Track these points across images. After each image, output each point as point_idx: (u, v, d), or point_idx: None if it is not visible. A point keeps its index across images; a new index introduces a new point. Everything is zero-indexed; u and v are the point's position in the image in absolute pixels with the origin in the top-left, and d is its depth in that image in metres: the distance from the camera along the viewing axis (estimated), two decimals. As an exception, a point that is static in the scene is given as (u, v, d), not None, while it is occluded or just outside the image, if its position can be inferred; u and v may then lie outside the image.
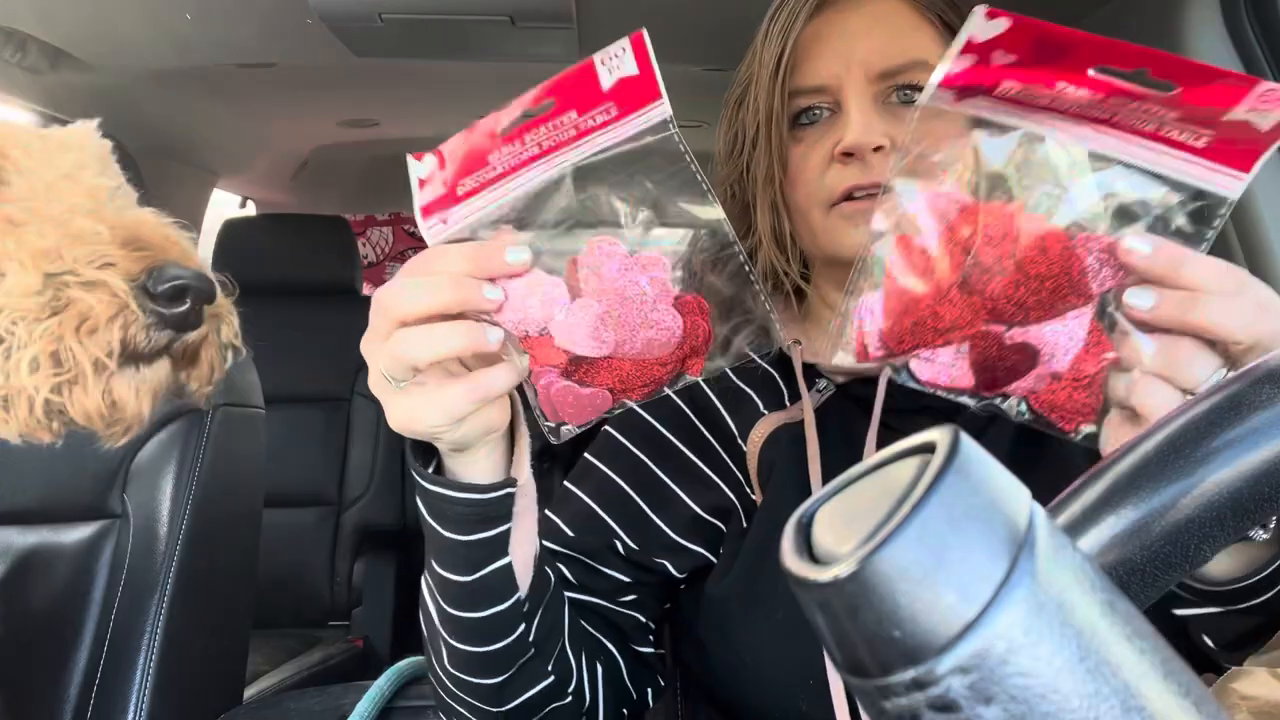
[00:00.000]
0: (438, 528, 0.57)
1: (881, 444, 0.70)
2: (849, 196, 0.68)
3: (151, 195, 1.27)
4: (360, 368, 2.24)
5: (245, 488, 1.22)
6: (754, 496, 0.74)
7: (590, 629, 0.70)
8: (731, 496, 0.74)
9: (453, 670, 0.61)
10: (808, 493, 0.71)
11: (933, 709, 0.21)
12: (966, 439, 0.23)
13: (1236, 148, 0.46)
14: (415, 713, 0.80)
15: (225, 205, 2.78)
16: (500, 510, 0.56)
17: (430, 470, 0.57)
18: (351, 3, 1.51)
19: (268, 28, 1.68)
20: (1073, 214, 0.47)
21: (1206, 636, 0.58)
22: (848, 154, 0.67)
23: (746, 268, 0.54)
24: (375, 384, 0.52)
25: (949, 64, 0.46)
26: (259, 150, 2.55)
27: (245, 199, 2.89)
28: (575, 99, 0.49)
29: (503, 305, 0.50)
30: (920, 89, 0.68)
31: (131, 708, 1.04)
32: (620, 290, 0.51)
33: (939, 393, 0.50)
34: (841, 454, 0.71)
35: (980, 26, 0.45)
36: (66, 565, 1.07)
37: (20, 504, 1.03)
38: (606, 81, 0.49)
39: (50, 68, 1.66)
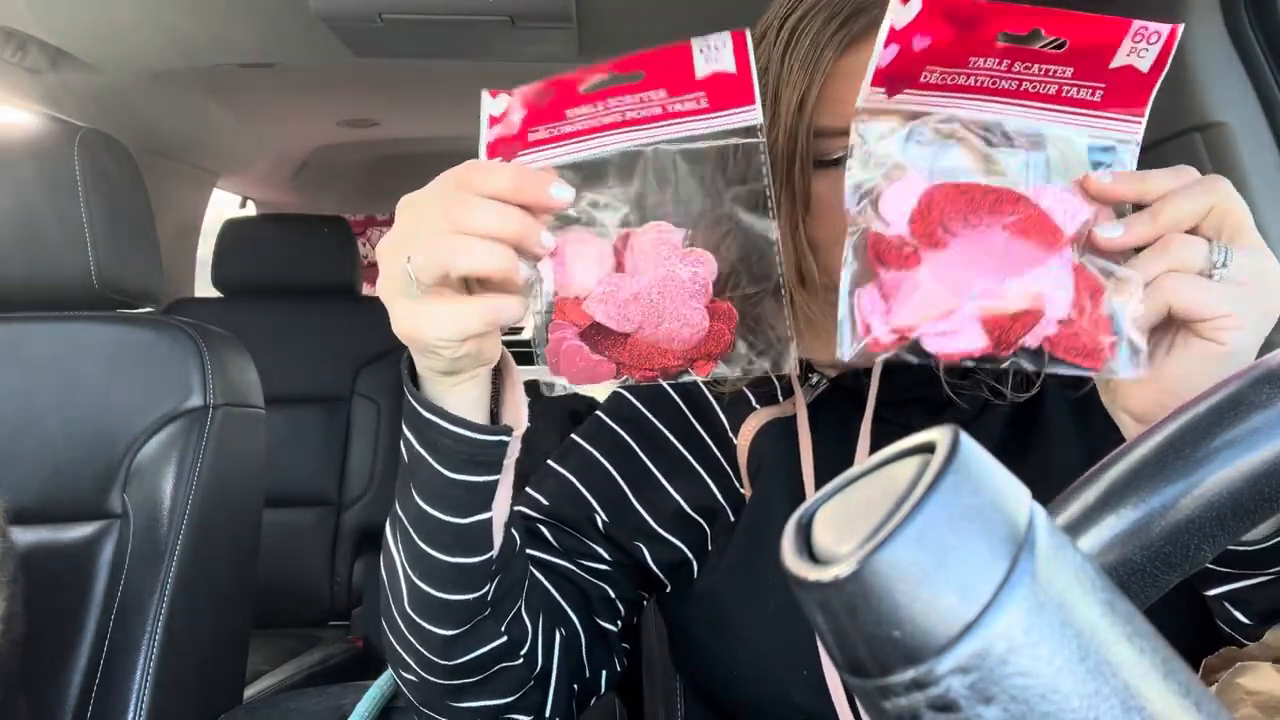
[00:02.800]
0: (427, 457, 0.57)
1: (875, 435, 0.70)
2: None
3: (151, 195, 1.27)
4: (360, 368, 2.26)
5: (245, 488, 1.22)
6: (743, 491, 0.74)
7: (556, 594, 0.70)
8: (719, 494, 0.75)
9: (410, 613, 0.62)
10: (799, 486, 0.71)
11: (933, 709, 0.21)
12: (966, 439, 0.23)
13: (1127, 95, 0.49)
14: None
15: (225, 205, 2.79)
16: (492, 455, 0.57)
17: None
18: (351, 3, 1.51)
19: (268, 28, 1.68)
20: (1018, 179, 0.50)
21: (1237, 610, 0.57)
22: None
23: (782, 292, 0.54)
24: (387, 286, 0.51)
25: (876, 58, 0.47)
26: (259, 150, 2.56)
27: (245, 199, 2.89)
28: (667, 78, 0.49)
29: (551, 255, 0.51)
30: None
31: (131, 708, 1.04)
32: (662, 277, 0.52)
33: (963, 362, 0.50)
34: (834, 447, 0.71)
35: (898, 12, 0.46)
36: (66, 565, 1.07)
37: (20, 503, 1.03)
38: (701, 70, 0.49)
39: (50, 68, 1.66)
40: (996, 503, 0.22)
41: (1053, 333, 0.48)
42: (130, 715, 1.04)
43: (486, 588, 0.61)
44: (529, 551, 0.69)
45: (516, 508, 0.71)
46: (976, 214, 0.49)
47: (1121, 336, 0.49)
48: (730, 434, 0.76)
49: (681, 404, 0.77)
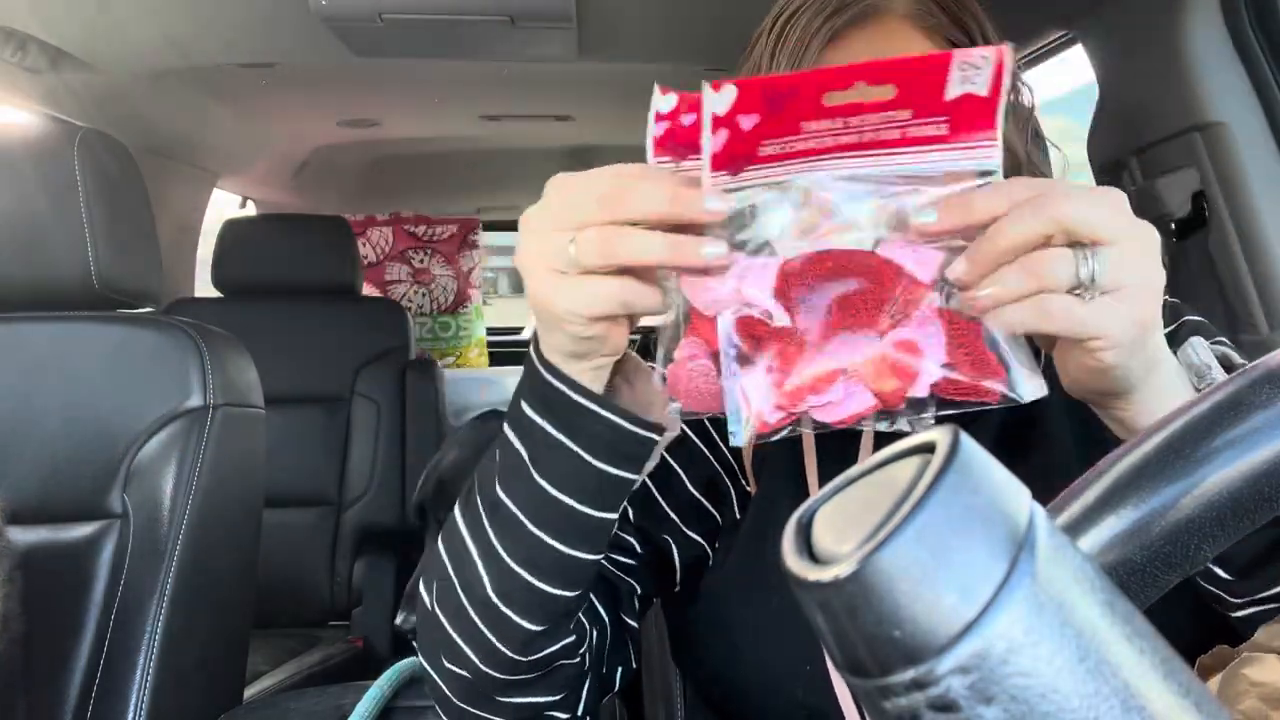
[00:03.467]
0: (567, 442, 0.55)
1: (877, 433, 0.71)
2: None
3: (152, 195, 1.27)
4: (360, 368, 2.26)
5: (245, 488, 1.22)
6: (749, 488, 0.74)
7: (593, 592, 0.70)
8: (729, 489, 0.75)
9: (495, 603, 0.59)
10: (802, 482, 0.72)
11: (933, 709, 0.21)
12: (967, 439, 0.23)
13: (975, 119, 0.46)
14: (415, 713, 0.81)
15: (225, 205, 2.79)
16: (635, 450, 0.55)
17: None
18: (351, 3, 1.51)
19: (268, 28, 1.68)
20: (865, 235, 0.48)
21: (1218, 567, 0.57)
22: None
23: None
24: (532, 258, 0.51)
25: (708, 145, 0.46)
26: (259, 150, 2.56)
27: (245, 199, 2.89)
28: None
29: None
30: None
31: (131, 708, 1.04)
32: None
33: (857, 425, 0.50)
34: (837, 445, 0.72)
35: (714, 100, 0.45)
36: (66, 565, 1.07)
37: (20, 503, 1.03)
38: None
39: (50, 68, 1.66)
40: (996, 503, 0.22)
41: (938, 379, 0.49)
42: (130, 715, 1.04)
43: (586, 586, 0.60)
44: None
45: None
46: (833, 279, 0.48)
47: (1009, 364, 0.48)
48: None
49: None
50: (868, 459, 0.25)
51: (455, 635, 0.61)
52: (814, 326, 0.49)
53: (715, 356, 0.50)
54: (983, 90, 0.45)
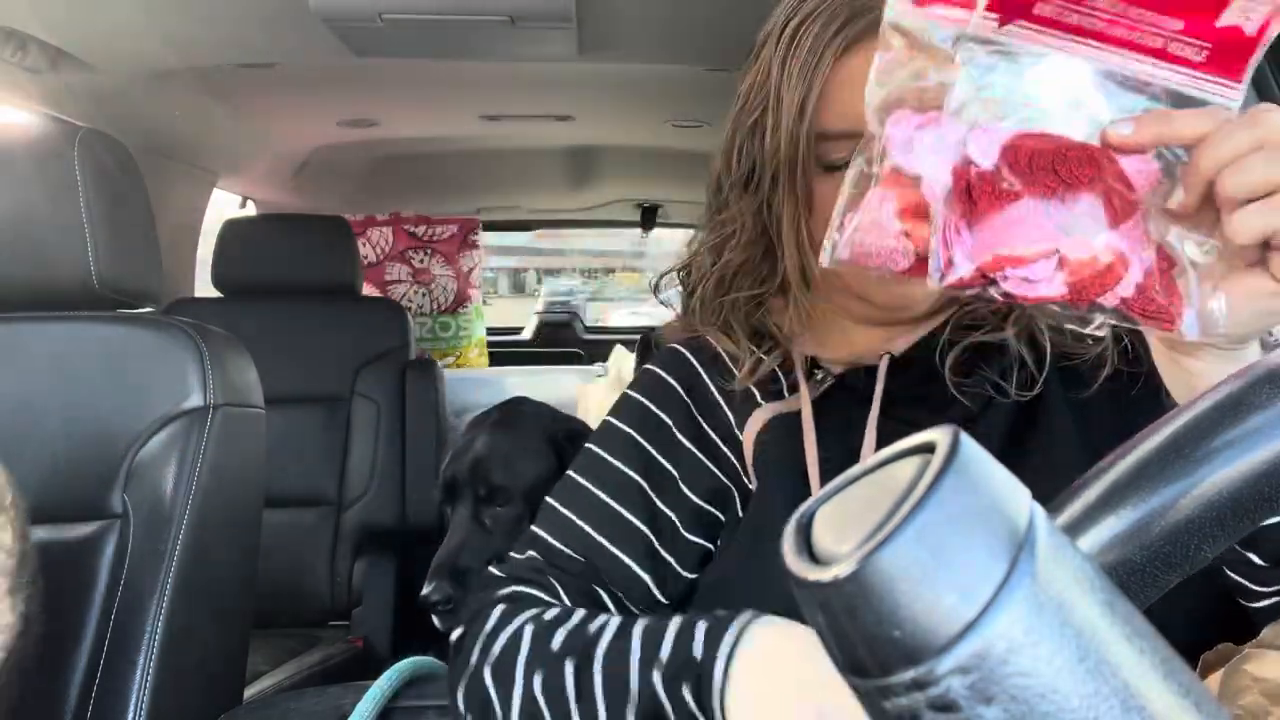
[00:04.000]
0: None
1: (880, 432, 0.71)
2: None
3: (151, 195, 1.27)
4: (360, 368, 2.26)
5: (245, 488, 1.22)
6: (751, 486, 0.74)
7: None
8: (728, 483, 0.75)
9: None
10: (803, 482, 0.72)
11: (933, 709, 0.21)
12: (967, 439, 0.23)
13: (1229, 58, 0.47)
14: (415, 713, 0.80)
15: (225, 205, 2.78)
16: None
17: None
18: (351, 3, 1.51)
19: (268, 28, 1.68)
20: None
21: (1250, 552, 0.57)
22: None
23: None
24: None
25: None
26: (259, 150, 2.56)
27: (245, 199, 2.89)
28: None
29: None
30: None
31: (131, 708, 1.04)
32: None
33: (1044, 307, 0.49)
34: (838, 444, 0.72)
35: None
36: (66, 565, 1.07)
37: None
38: (1227, 17, 0.45)
39: (50, 68, 1.66)
40: (996, 503, 0.22)
41: (1129, 294, 0.48)
42: (130, 715, 1.04)
43: None
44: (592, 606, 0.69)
45: (566, 547, 0.72)
46: (1064, 166, 0.48)
47: (1191, 300, 0.49)
48: (736, 430, 0.76)
49: (688, 401, 0.78)
50: (868, 459, 0.25)
51: None
52: (1032, 201, 0.48)
53: (905, 212, 0.49)
54: (1251, 29, 0.45)
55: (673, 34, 1.71)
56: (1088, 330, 0.50)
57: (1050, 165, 0.48)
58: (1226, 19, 0.45)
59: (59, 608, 1.05)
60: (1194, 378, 0.54)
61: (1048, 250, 0.48)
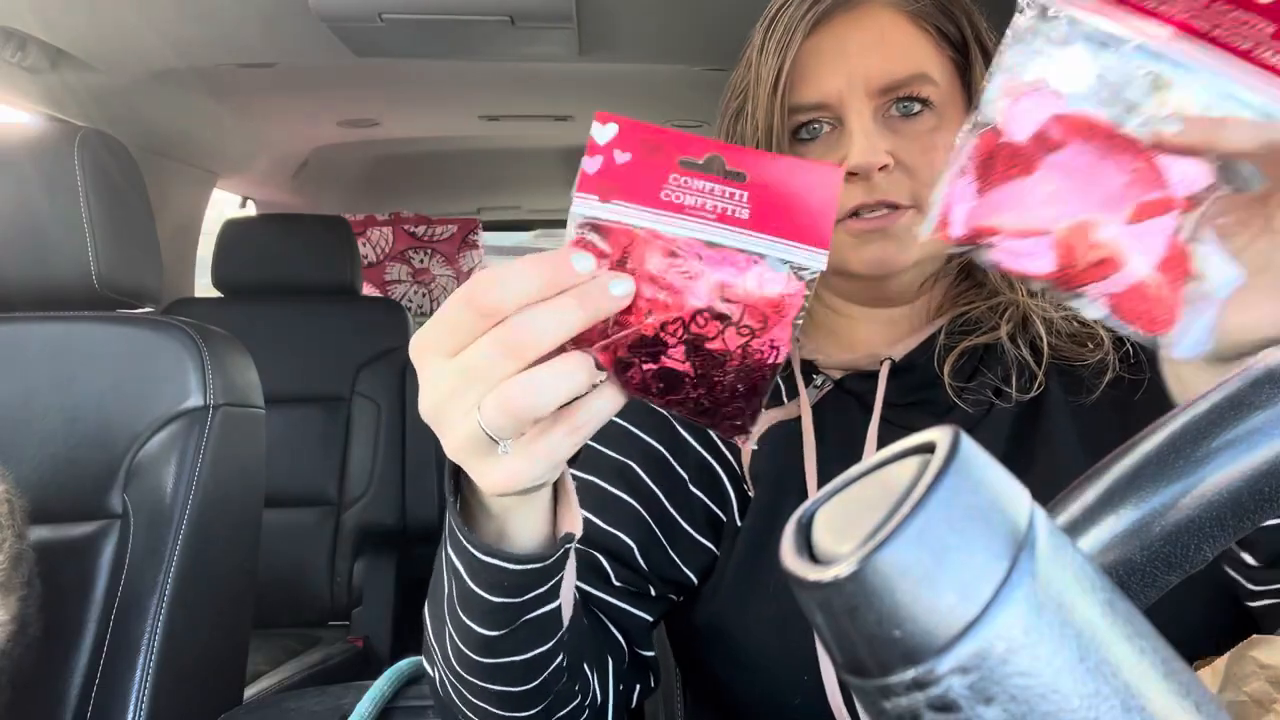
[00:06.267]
0: (485, 595, 0.51)
1: (880, 437, 0.71)
2: (855, 214, 0.68)
3: (152, 195, 1.27)
4: (360, 368, 2.26)
5: (245, 487, 1.22)
6: (750, 494, 0.74)
7: (611, 626, 0.70)
8: (731, 495, 0.75)
9: (487, 708, 0.58)
10: (802, 487, 0.71)
11: (933, 709, 0.21)
12: (967, 439, 0.23)
13: None
14: (415, 713, 0.80)
15: (225, 205, 2.79)
16: (558, 567, 0.51)
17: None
18: (351, 3, 1.51)
19: (268, 28, 1.68)
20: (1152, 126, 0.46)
21: (1246, 553, 0.57)
22: (851, 173, 0.67)
23: None
24: (463, 449, 0.44)
25: None
26: (259, 150, 2.56)
27: (245, 199, 2.89)
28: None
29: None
30: (920, 100, 0.69)
31: (131, 708, 1.04)
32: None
33: (1019, 278, 0.49)
34: (837, 450, 0.72)
35: None
36: (66, 565, 1.07)
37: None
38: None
39: (50, 68, 1.66)
40: (997, 503, 0.22)
41: (1119, 291, 0.47)
42: (130, 715, 1.04)
43: (560, 658, 0.57)
44: (582, 586, 0.68)
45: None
46: (1095, 152, 0.47)
47: (1191, 319, 0.47)
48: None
49: None
50: (868, 459, 0.25)
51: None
52: (1047, 179, 0.47)
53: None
54: None
55: (673, 34, 1.71)
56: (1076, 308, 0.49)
57: (1079, 148, 0.47)
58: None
59: (58, 608, 1.05)
60: (1185, 386, 0.53)
61: (1040, 229, 0.47)
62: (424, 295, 3.33)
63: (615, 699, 0.68)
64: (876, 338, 0.76)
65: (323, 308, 2.30)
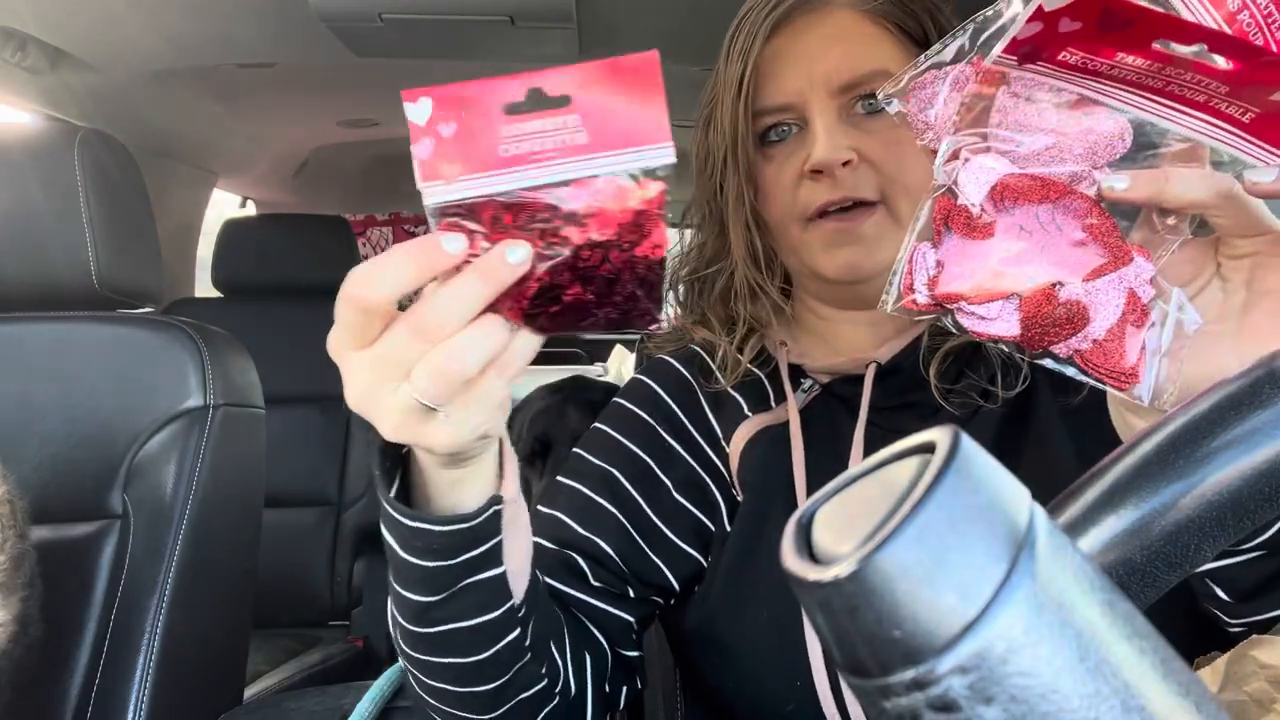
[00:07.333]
0: (417, 561, 0.52)
1: (867, 441, 0.71)
2: (823, 213, 0.69)
3: (152, 195, 1.27)
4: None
5: (245, 488, 1.22)
6: (739, 498, 0.74)
7: (587, 622, 0.70)
8: (718, 495, 0.74)
9: (442, 685, 0.59)
10: (791, 492, 0.71)
11: (933, 709, 0.21)
12: (967, 439, 0.23)
13: (1278, 127, 0.45)
14: (415, 713, 0.80)
15: (225, 205, 2.78)
16: (490, 529, 0.52)
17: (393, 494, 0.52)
18: (351, 3, 1.51)
19: (268, 28, 1.68)
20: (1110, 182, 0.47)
21: (1219, 588, 0.57)
22: (817, 171, 0.68)
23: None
24: (403, 426, 0.45)
25: (1017, 28, 0.45)
26: (259, 150, 2.55)
27: (245, 199, 2.89)
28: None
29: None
30: None
31: (131, 708, 1.04)
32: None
33: (987, 341, 0.49)
34: (825, 454, 0.72)
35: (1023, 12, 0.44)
36: (66, 565, 1.07)
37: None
38: None
39: (50, 68, 1.66)
40: (997, 502, 0.22)
41: (1086, 348, 0.48)
42: (130, 715, 1.04)
43: (517, 633, 0.58)
44: (558, 585, 0.68)
45: (539, 540, 0.69)
46: (1048, 211, 0.47)
47: (1150, 369, 0.48)
48: (723, 440, 0.75)
49: (679, 412, 0.77)
50: (868, 459, 0.25)
51: (439, 708, 0.61)
52: (1005, 241, 0.48)
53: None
54: None
55: (673, 34, 1.71)
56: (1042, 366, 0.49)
57: (1033, 209, 0.48)
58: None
59: (59, 607, 1.05)
60: (1132, 431, 0.53)
61: (1003, 293, 0.48)
62: (424, 295, 3.32)
63: (595, 696, 0.68)
64: (861, 340, 0.76)
65: (323, 308, 2.25)
